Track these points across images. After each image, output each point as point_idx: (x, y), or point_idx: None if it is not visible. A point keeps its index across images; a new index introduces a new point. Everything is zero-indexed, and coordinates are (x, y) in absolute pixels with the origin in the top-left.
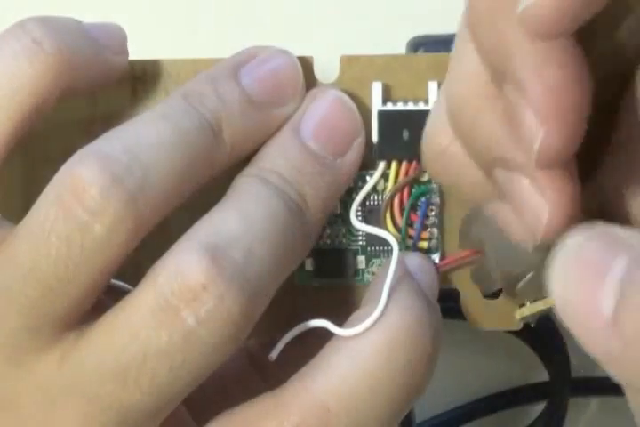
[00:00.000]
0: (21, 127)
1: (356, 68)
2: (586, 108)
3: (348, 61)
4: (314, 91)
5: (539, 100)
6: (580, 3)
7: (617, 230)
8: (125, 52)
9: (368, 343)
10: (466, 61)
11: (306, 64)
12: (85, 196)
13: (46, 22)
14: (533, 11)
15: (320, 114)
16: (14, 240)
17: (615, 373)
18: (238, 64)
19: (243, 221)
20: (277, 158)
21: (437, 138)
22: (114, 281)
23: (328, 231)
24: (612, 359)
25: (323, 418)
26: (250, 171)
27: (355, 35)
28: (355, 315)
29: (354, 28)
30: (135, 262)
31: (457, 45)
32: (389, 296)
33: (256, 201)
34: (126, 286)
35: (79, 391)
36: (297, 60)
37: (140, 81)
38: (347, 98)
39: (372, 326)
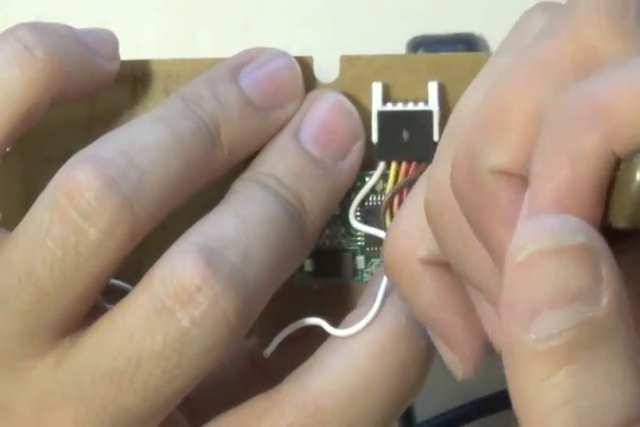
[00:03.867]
0: (13, 133)
1: (355, 69)
2: None
3: (348, 61)
4: (313, 93)
5: None
6: None
7: None
8: (117, 58)
9: (362, 344)
10: (442, 171)
11: (305, 64)
12: (81, 200)
13: (37, 29)
14: None
15: (320, 118)
16: (10, 245)
17: None
18: (237, 66)
19: (239, 224)
20: (276, 163)
21: (401, 240)
22: (113, 281)
23: (327, 232)
24: None
25: (317, 417)
26: (248, 175)
27: (355, 35)
28: (350, 315)
29: (354, 28)
30: (136, 263)
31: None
32: (385, 297)
33: (253, 205)
34: (126, 285)
35: (74, 395)
36: (296, 62)
37: (140, 81)
38: (346, 101)
39: (367, 326)
